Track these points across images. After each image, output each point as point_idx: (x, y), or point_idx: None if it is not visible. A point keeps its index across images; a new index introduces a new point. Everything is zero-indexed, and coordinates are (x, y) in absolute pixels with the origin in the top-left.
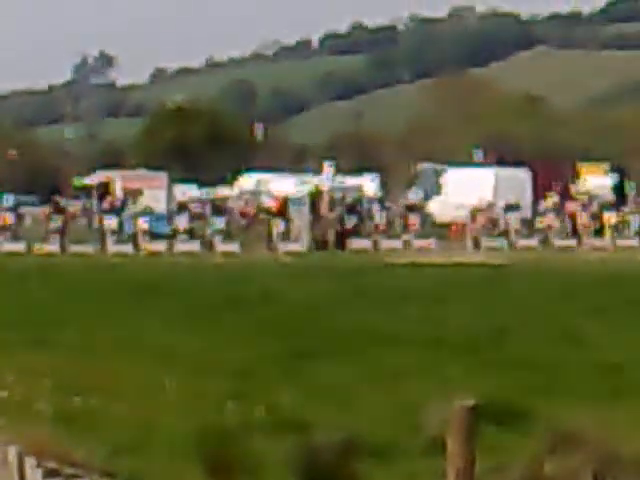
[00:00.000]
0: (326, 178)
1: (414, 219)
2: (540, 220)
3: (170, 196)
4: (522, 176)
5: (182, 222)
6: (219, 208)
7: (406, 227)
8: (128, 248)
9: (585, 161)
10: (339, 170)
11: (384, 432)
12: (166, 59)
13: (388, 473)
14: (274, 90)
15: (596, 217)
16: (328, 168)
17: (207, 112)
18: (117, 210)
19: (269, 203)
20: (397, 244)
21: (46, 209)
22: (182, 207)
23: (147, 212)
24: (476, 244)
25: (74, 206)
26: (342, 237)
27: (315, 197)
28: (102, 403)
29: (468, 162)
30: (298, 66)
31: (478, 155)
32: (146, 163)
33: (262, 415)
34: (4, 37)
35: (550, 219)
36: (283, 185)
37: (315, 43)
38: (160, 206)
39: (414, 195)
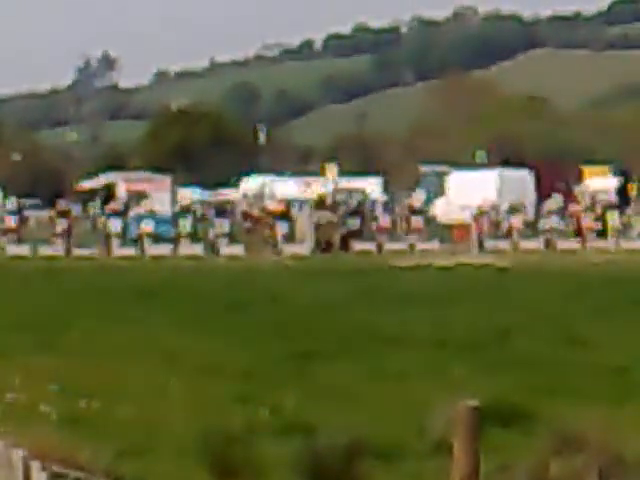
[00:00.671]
0: (329, 180)
1: (418, 221)
2: (544, 222)
3: (174, 199)
4: (526, 177)
5: (186, 225)
6: (223, 210)
7: (409, 229)
8: (132, 251)
9: (588, 162)
10: (342, 172)
11: (389, 433)
12: (169, 61)
13: (394, 474)
14: (277, 92)
15: (600, 219)
16: (331, 170)
17: (210, 114)
18: (121, 213)
19: (273, 206)
20: (401, 246)
21: (52, 211)
22: (186, 210)
23: (151, 215)
24: (480, 246)
25: (77, 209)
26: (346, 239)
27: (319, 200)
28: (107, 405)
29: (472, 164)
30: (301, 68)
31: (482, 157)
32: (149, 166)
33: (267, 417)
34: (7, 40)
35: (554, 221)
36: (287, 187)
37: (318, 45)
38: (164, 209)
39: (417, 197)
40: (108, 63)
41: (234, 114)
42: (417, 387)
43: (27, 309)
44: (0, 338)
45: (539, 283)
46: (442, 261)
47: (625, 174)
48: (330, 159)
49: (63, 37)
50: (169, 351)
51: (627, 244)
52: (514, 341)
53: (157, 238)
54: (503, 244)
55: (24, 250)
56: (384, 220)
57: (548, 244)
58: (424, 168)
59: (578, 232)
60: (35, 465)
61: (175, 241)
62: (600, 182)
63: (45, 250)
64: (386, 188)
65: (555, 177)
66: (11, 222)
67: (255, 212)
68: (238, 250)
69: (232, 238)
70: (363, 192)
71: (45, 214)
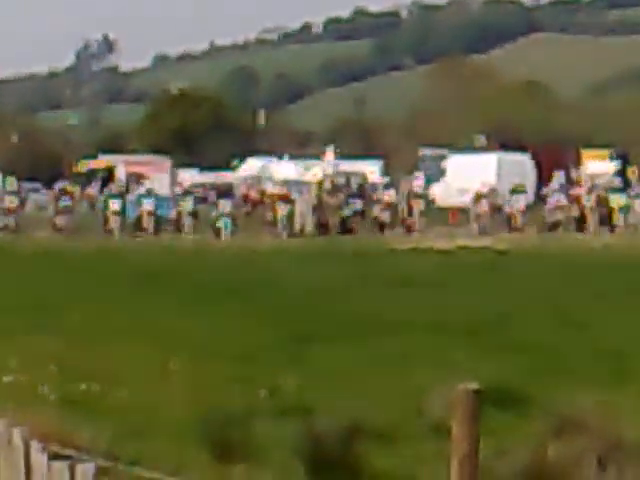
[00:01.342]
0: (329, 163)
1: (418, 204)
2: (551, 202)
3: (173, 181)
4: (525, 161)
5: (187, 206)
6: (227, 191)
7: (410, 212)
8: (134, 232)
9: (587, 147)
10: (342, 155)
11: (388, 416)
12: (169, 45)
13: (392, 456)
14: (277, 76)
15: (602, 202)
16: (330, 153)
17: (210, 98)
18: (121, 194)
19: (273, 189)
20: (401, 229)
21: (55, 191)
22: (187, 192)
23: (151, 194)
24: (480, 229)
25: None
26: (348, 222)
27: (318, 183)
28: (106, 387)
29: (471, 147)
30: (301, 52)
31: (481, 140)
32: (149, 149)
33: (266, 399)
34: (6, 23)
35: (560, 199)
36: (286, 170)
37: (318, 29)
38: (163, 191)
39: (416, 180)
40: (108, 46)
41: (233, 97)
42: (416, 370)
43: (25, 290)
44: None
45: (538, 266)
46: (441, 244)
47: (624, 158)
48: (329, 142)
49: (63, 20)
50: (169, 333)
51: (627, 228)
52: (513, 325)
53: (158, 218)
54: (503, 227)
55: (23, 232)
56: (387, 194)
57: (555, 226)
58: (423, 151)
59: (581, 215)
60: (35, 445)
61: (176, 222)
62: (599, 166)
63: (42, 232)
64: (385, 171)
65: (554, 161)
66: (11, 203)
67: (254, 194)
68: (238, 232)
69: (233, 220)
70: (362, 175)
71: (45, 196)
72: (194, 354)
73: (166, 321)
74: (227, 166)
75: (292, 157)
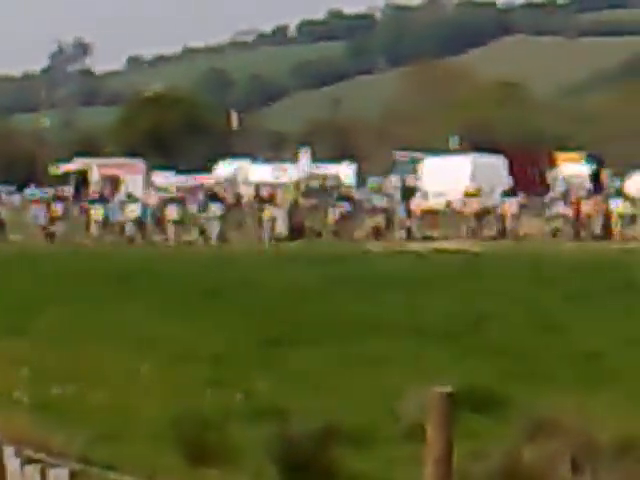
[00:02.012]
0: (302, 166)
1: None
2: (551, 210)
3: (147, 182)
4: (499, 163)
5: (172, 212)
6: (215, 195)
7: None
8: (112, 236)
9: (562, 149)
10: (316, 158)
11: (363, 418)
12: (142, 47)
13: (367, 459)
14: (251, 78)
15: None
16: (305, 155)
17: (184, 100)
18: (103, 199)
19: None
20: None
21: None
22: (171, 199)
23: (135, 201)
24: (469, 231)
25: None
26: (338, 225)
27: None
28: (81, 390)
29: (445, 149)
30: (275, 54)
31: (454, 142)
32: (123, 151)
33: (241, 401)
34: None
35: (560, 208)
36: (261, 173)
37: (292, 31)
38: (138, 193)
39: (392, 183)
40: (82, 48)
41: (208, 100)
42: (391, 373)
43: (1, 294)
44: None
45: (513, 269)
46: (417, 247)
47: (598, 160)
48: (304, 145)
49: (37, 22)
50: (144, 336)
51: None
52: (489, 327)
53: (141, 223)
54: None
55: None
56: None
57: (555, 233)
58: (398, 154)
59: (576, 219)
60: (8, 450)
61: (161, 227)
62: (574, 168)
63: (16, 236)
64: (360, 174)
65: (528, 163)
66: None
67: (229, 197)
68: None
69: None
70: (337, 178)
71: (18, 199)
72: (169, 357)
73: (141, 324)
74: (202, 168)
75: (267, 159)
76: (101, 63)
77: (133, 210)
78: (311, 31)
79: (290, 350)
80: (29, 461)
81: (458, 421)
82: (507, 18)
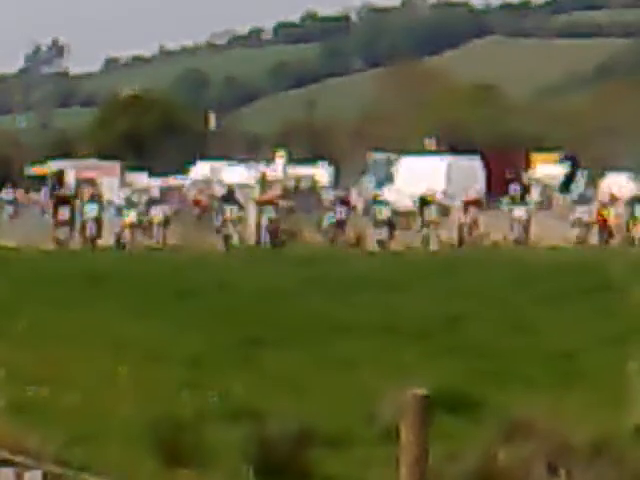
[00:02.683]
0: (278, 167)
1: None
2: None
3: (123, 184)
4: (474, 165)
5: (158, 217)
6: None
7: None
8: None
9: (538, 149)
10: (292, 159)
11: (338, 420)
12: (118, 48)
13: (342, 461)
14: (227, 79)
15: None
16: (280, 157)
17: (160, 101)
18: (70, 200)
19: (219, 191)
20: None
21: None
22: (154, 201)
23: (103, 202)
24: (461, 240)
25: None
26: (336, 229)
27: (263, 185)
28: (55, 392)
29: (421, 150)
30: (251, 55)
31: (430, 143)
32: (99, 153)
33: (216, 403)
34: None
35: (583, 212)
36: (235, 174)
37: (268, 32)
38: (113, 195)
39: (367, 184)
40: (58, 50)
41: (184, 101)
42: (366, 374)
43: None
44: None
45: (488, 270)
46: (393, 247)
47: (573, 161)
48: (280, 146)
49: (12, 23)
50: (118, 338)
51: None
52: (463, 328)
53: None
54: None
55: None
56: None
57: (581, 239)
58: (373, 155)
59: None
60: None
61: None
62: (549, 169)
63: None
64: (336, 175)
65: (504, 165)
66: None
67: (204, 198)
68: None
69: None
70: (312, 179)
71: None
72: (144, 358)
73: (115, 325)
74: (178, 170)
75: (242, 161)
76: (77, 65)
77: (131, 215)
78: (287, 33)
79: (265, 351)
80: (4, 462)
81: (433, 423)
82: (482, 19)
